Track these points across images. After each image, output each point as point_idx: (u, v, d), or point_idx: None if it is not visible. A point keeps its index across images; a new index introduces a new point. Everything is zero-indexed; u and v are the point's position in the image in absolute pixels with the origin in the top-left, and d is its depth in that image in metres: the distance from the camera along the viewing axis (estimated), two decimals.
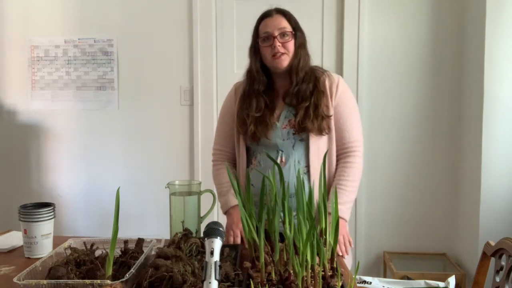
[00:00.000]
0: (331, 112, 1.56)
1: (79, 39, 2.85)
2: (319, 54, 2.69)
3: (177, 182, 1.48)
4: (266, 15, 1.57)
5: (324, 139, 1.56)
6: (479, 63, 2.30)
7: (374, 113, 2.65)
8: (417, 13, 2.59)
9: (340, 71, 2.66)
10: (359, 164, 1.58)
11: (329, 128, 1.55)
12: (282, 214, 1.22)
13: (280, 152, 1.56)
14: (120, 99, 2.85)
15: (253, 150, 1.62)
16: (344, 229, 1.50)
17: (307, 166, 1.56)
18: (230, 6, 2.74)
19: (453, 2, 2.56)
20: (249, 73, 1.60)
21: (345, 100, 1.59)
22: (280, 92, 1.61)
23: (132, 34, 2.80)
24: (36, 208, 1.36)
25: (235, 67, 2.73)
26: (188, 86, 2.78)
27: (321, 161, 1.54)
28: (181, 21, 2.76)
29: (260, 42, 1.55)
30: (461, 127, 2.57)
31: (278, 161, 1.55)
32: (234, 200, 1.58)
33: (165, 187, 1.47)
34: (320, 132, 1.53)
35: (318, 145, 1.55)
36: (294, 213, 1.29)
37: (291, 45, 1.53)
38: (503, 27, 2.22)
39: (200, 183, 1.51)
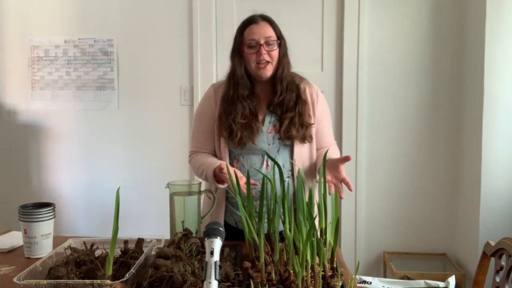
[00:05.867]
0: (313, 120, 1.61)
1: (79, 39, 2.85)
2: (319, 54, 2.69)
3: (177, 182, 1.48)
4: (251, 22, 1.56)
5: (306, 146, 1.61)
6: (479, 63, 2.30)
7: (374, 113, 2.66)
8: (417, 13, 2.59)
9: (340, 71, 2.66)
10: (338, 150, 1.73)
11: (311, 137, 1.60)
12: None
13: (265, 156, 1.57)
14: (120, 99, 2.85)
15: (236, 154, 1.61)
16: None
17: (291, 170, 1.60)
18: (230, 6, 2.74)
19: (453, 2, 2.56)
20: (233, 77, 1.58)
21: (325, 108, 1.69)
22: (261, 98, 1.61)
23: (132, 34, 2.80)
24: (36, 208, 1.36)
25: None
26: (188, 86, 2.78)
27: (304, 166, 1.59)
28: (181, 21, 2.76)
29: (245, 48, 1.54)
30: (461, 127, 2.57)
31: (264, 165, 1.57)
32: (218, 160, 1.55)
33: (165, 187, 1.47)
34: (303, 140, 1.58)
35: (301, 151, 1.60)
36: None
37: (275, 53, 1.54)
38: (503, 27, 2.22)
39: (200, 183, 1.51)
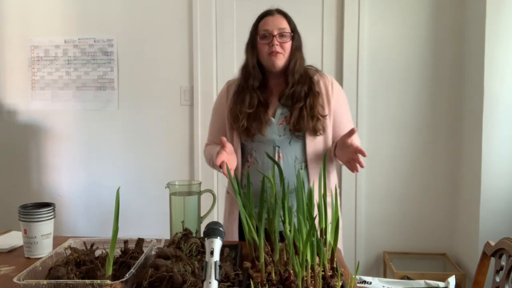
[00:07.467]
0: (326, 112, 1.59)
1: (79, 39, 2.85)
2: (319, 54, 2.69)
3: (177, 182, 1.48)
4: (267, 14, 1.59)
5: (320, 138, 1.58)
6: (479, 63, 2.30)
7: (374, 113, 2.66)
8: (417, 13, 2.59)
9: (340, 71, 2.66)
10: (358, 138, 1.63)
11: (323, 129, 1.57)
12: (282, 214, 1.23)
13: (276, 148, 1.58)
14: (120, 99, 2.85)
15: (249, 148, 1.62)
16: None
17: (305, 161, 1.58)
18: (230, 6, 2.74)
19: (453, 2, 2.56)
20: (245, 68, 1.61)
21: (342, 97, 1.66)
22: (273, 91, 1.62)
23: (132, 34, 2.80)
24: (36, 208, 1.36)
25: (235, 67, 2.73)
26: (188, 86, 2.78)
27: (319, 157, 1.56)
28: (181, 21, 2.76)
29: (258, 39, 1.57)
30: (461, 127, 2.57)
31: (276, 157, 1.57)
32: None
33: (165, 187, 1.47)
34: (315, 132, 1.56)
35: (315, 142, 1.58)
36: (294, 211, 1.30)
37: (288, 46, 1.55)
38: (503, 27, 2.22)
39: (200, 183, 1.51)
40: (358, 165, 1.39)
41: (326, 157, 1.51)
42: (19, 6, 2.89)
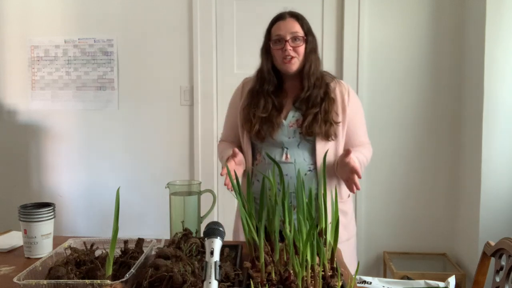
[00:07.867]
0: (340, 119, 1.58)
1: (79, 39, 2.85)
2: (319, 54, 2.68)
3: (177, 182, 1.48)
4: (279, 18, 1.57)
5: (331, 143, 1.58)
6: (479, 63, 2.30)
7: (374, 113, 2.65)
8: (417, 13, 2.59)
9: (340, 71, 2.66)
10: (370, 150, 1.68)
11: (335, 134, 1.57)
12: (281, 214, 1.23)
13: (285, 149, 1.58)
14: (120, 99, 2.85)
15: (259, 146, 1.63)
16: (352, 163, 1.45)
17: (314, 163, 1.58)
18: (230, 6, 2.74)
19: (453, 2, 2.56)
20: (260, 73, 1.61)
21: (358, 106, 1.65)
22: (289, 93, 1.62)
23: (132, 34, 2.80)
24: (36, 208, 1.36)
25: (235, 67, 2.73)
26: (188, 86, 2.78)
27: (329, 163, 1.56)
28: (181, 21, 2.76)
29: (271, 44, 1.56)
30: (461, 127, 2.57)
31: (283, 157, 1.57)
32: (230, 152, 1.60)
33: (165, 187, 1.47)
34: (326, 137, 1.55)
35: (325, 148, 1.56)
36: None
37: (301, 49, 1.55)
38: (503, 27, 2.22)
39: (200, 183, 1.51)
40: (354, 186, 1.41)
41: (329, 170, 1.51)
42: (19, 6, 2.89)
